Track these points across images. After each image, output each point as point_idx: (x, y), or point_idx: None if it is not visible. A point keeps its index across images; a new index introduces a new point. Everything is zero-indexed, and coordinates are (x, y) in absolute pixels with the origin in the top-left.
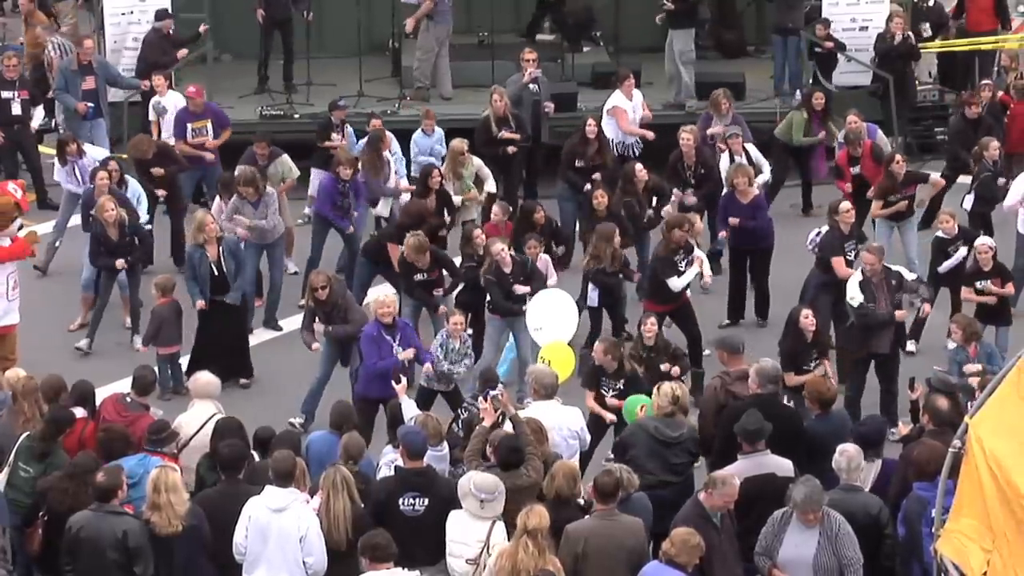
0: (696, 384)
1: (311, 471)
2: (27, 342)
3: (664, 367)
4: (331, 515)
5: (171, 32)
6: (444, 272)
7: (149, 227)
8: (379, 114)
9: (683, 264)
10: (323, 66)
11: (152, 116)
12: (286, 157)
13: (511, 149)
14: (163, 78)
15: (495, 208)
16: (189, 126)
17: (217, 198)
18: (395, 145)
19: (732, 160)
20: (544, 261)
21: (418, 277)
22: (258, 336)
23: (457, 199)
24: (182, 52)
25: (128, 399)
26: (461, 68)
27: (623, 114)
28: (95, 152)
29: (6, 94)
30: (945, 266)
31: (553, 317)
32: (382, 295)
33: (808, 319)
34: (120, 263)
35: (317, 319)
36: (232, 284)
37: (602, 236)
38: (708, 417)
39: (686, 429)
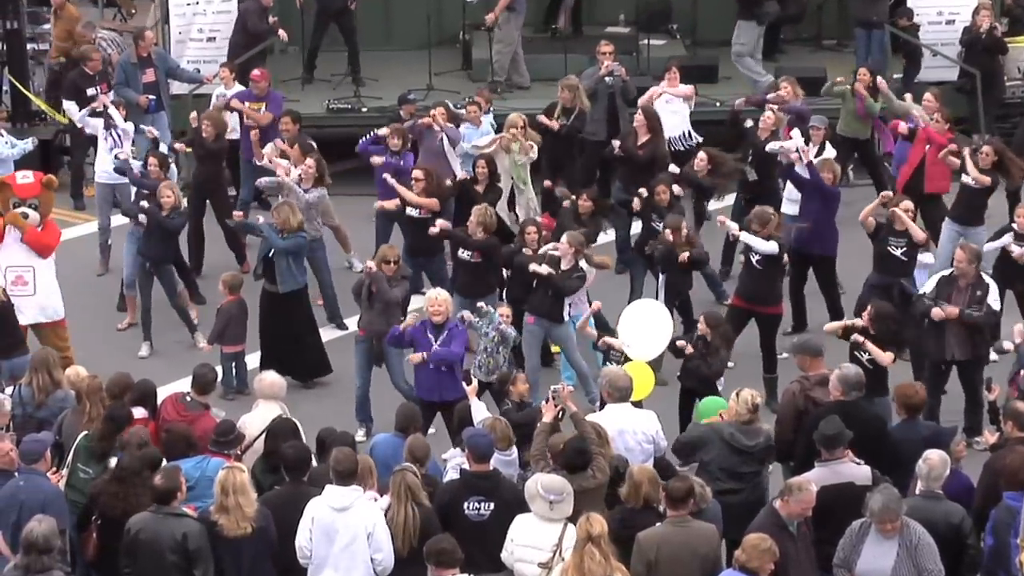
0: (770, 389)
1: (379, 473)
2: (86, 342)
3: (680, 343)
4: (395, 524)
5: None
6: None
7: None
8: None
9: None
10: (390, 59)
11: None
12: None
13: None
14: (229, 70)
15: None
16: (246, 104)
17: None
18: (469, 135)
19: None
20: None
21: (463, 255)
22: (323, 335)
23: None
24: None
25: (188, 398)
26: (531, 62)
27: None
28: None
29: (91, 91)
30: (990, 246)
31: (644, 331)
32: (435, 293)
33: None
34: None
35: (361, 295)
36: (281, 278)
37: (670, 226)
38: (786, 423)
39: (763, 438)
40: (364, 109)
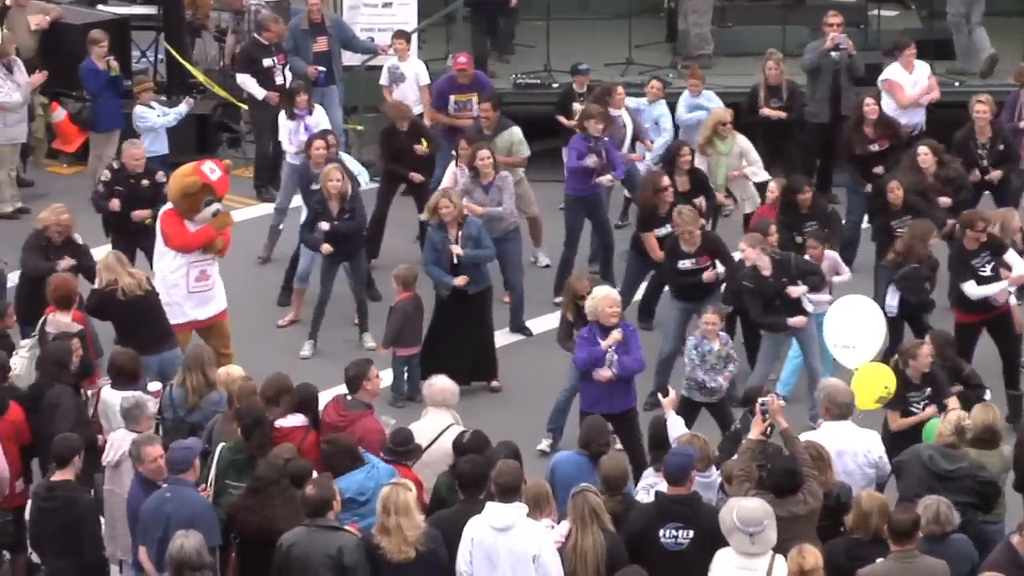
0: (1013, 408)
1: (558, 497)
2: (241, 339)
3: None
4: (578, 551)
5: None
6: (716, 261)
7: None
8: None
9: (986, 266)
10: (586, 29)
11: (384, 81)
12: (517, 129)
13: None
14: (405, 40)
15: (771, 185)
16: (452, 98)
17: (452, 164)
18: (646, 111)
19: None
20: (831, 259)
21: (683, 264)
22: (502, 339)
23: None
24: None
25: (348, 398)
26: (744, 33)
27: (899, 88)
28: (321, 118)
29: (267, 62)
30: None
31: (861, 330)
32: (609, 292)
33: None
34: (326, 248)
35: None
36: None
37: (917, 234)
38: None
39: (966, 463)
40: (555, 85)
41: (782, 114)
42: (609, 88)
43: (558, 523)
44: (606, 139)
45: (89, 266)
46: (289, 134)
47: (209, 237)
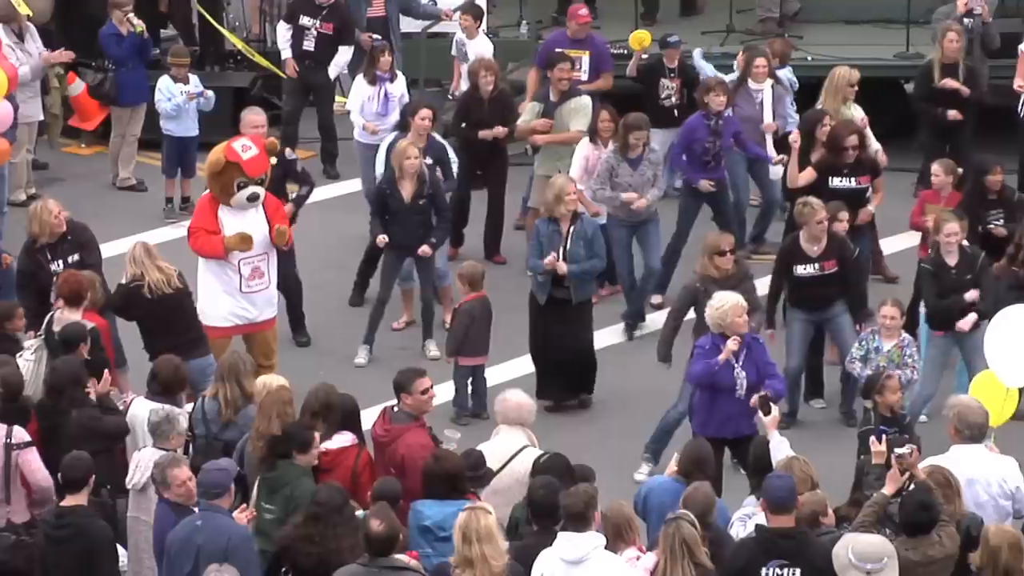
0: None
1: (651, 525)
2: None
3: None
4: None
5: None
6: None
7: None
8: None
9: None
10: None
11: (455, 51)
12: (587, 99)
13: (951, 113)
14: (472, 16)
15: (935, 168)
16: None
17: (585, 145)
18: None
19: None
20: None
21: (802, 271)
22: (600, 339)
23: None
24: None
25: (395, 409)
26: None
27: None
28: (402, 87)
29: (305, 20)
30: None
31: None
32: (739, 299)
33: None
34: (381, 239)
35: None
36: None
37: None
38: None
39: None
40: (644, 56)
41: (965, 89)
42: (752, 56)
43: (645, 554)
44: (731, 116)
45: (92, 264)
46: (363, 102)
47: (215, 252)
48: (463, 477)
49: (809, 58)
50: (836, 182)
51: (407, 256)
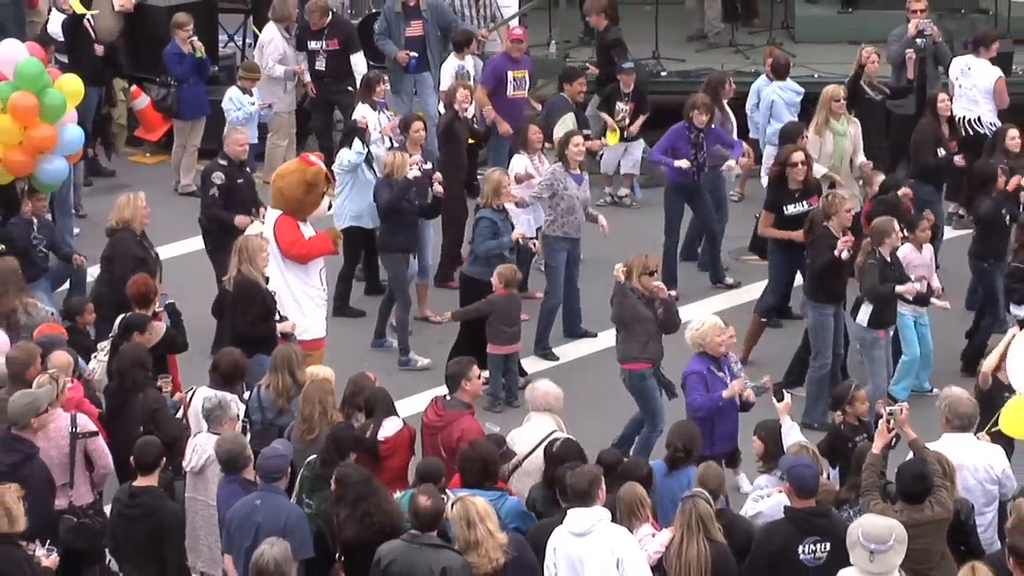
0: None
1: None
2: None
3: None
4: (682, 560)
5: None
6: None
7: None
8: None
9: None
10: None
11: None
12: (570, 115)
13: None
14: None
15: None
16: (510, 74)
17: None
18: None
19: None
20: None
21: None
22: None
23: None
24: None
25: (447, 398)
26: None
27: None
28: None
29: (313, 44)
30: None
31: None
32: (717, 320)
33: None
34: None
35: None
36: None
37: None
38: None
39: None
40: (664, 73)
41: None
42: (722, 78)
43: (660, 531)
44: (714, 128)
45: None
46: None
47: (328, 249)
48: (495, 461)
49: (816, 75)
50: (790, 209)
51: (411, 255)
